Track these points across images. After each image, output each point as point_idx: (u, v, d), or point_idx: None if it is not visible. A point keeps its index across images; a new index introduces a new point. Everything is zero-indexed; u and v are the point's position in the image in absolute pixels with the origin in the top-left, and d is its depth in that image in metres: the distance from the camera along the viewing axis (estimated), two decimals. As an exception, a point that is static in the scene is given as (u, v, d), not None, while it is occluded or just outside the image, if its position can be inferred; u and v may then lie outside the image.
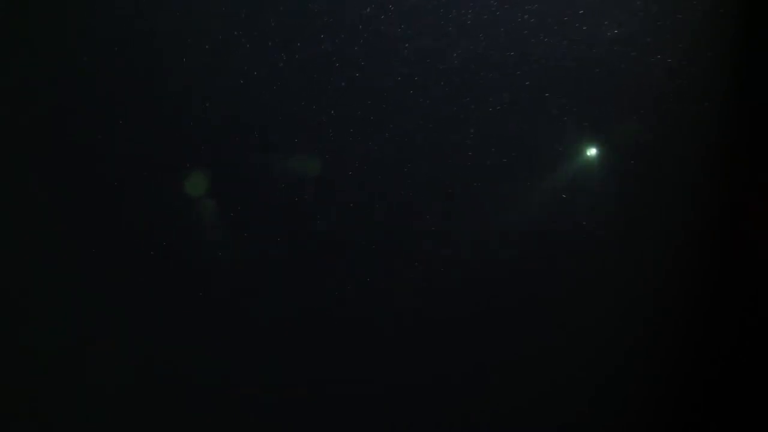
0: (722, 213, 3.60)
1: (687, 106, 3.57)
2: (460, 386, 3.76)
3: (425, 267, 3.78)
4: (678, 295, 3.65)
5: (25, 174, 3.87)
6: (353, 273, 3.81)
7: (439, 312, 3.77)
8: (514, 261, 3.74)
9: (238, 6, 3.67)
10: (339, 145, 3.74)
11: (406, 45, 3.64)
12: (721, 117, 3.57)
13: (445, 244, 3.78)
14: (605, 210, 3.68)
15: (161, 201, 3.85)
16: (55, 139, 3.85)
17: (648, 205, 3.67)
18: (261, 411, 3.82)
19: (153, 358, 3.80)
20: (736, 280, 3.57)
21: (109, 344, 3.83)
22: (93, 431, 3.84)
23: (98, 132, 3.81)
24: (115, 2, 3.74)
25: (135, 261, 3.85)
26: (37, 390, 3.83)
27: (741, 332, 3.56)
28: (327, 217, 3.82)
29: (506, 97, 3.65)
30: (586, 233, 3.69)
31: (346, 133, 3.74)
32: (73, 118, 3.81)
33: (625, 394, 3.68)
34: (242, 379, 3.83)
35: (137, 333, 3.83)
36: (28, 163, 3.87)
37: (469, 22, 3.59)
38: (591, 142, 3.66)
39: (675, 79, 3.55)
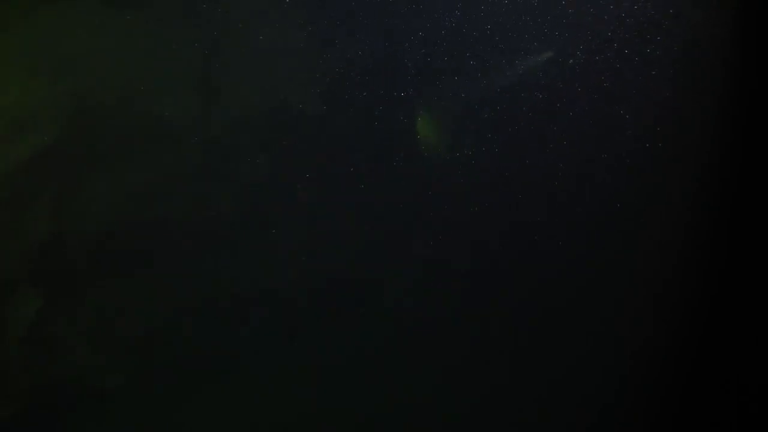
0: (722, 212, 3.58)
1: (687, 105, 3.57)
2: (459, 386, 3.69)
3: (426, 264, 3.73)
4: (677, 295, 3.61)
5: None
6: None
7: (437, 311, 3.72)
8: (514, 260, 3.70)
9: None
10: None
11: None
12: (721, 117, 3.57)
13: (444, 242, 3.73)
14: (605, 210, 3.65)
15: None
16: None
17: (647, 205, 3.65)
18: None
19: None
20: (736, 280, 3.53)
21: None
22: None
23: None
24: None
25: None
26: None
27: (741, 333, 3.51)
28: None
29: (506, 99, 3.61)
30: (586, 233, 3.67)
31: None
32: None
33: (623, 395, 3.63)
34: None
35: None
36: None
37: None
38: (591, 142, 3.63)
39: (675, 78, 3.55)
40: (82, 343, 3.59)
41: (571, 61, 3.57)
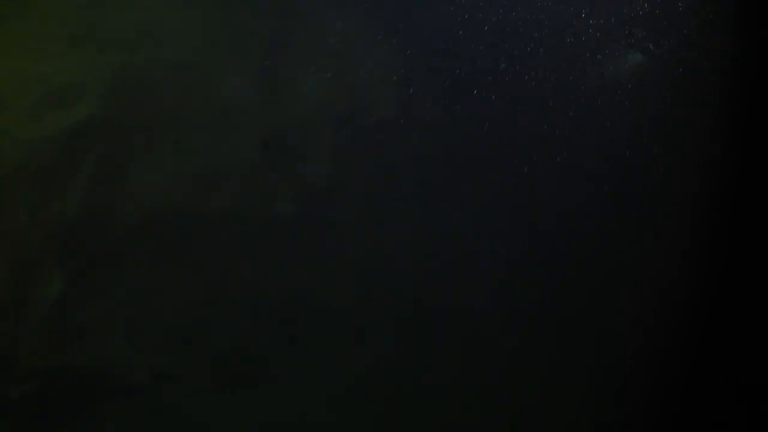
0: (722, 212, 3.63)
1: (687, 104, 3.62)
2: (457, 385, 3.63)
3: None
4: (677, 295, 3.64)
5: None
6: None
7: (436, 310, 3.64)
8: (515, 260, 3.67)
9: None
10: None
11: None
12: (721, 116, 3.62)
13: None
14: (606, 210, 3.66)
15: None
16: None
17: (648, 206, 3.67)
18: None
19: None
20: (736, 279, 3.58)
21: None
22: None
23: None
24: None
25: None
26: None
27: (741, 332, 3.56)
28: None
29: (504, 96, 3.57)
30: (587, 233, 3.66)
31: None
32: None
33: (623, 395, 3.65)
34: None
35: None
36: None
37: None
38: (593, 141, 3.63)
39: (676, 78, 3.59)
40: (104, 333, 3.35)
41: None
